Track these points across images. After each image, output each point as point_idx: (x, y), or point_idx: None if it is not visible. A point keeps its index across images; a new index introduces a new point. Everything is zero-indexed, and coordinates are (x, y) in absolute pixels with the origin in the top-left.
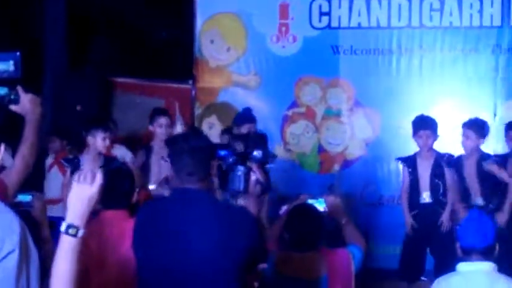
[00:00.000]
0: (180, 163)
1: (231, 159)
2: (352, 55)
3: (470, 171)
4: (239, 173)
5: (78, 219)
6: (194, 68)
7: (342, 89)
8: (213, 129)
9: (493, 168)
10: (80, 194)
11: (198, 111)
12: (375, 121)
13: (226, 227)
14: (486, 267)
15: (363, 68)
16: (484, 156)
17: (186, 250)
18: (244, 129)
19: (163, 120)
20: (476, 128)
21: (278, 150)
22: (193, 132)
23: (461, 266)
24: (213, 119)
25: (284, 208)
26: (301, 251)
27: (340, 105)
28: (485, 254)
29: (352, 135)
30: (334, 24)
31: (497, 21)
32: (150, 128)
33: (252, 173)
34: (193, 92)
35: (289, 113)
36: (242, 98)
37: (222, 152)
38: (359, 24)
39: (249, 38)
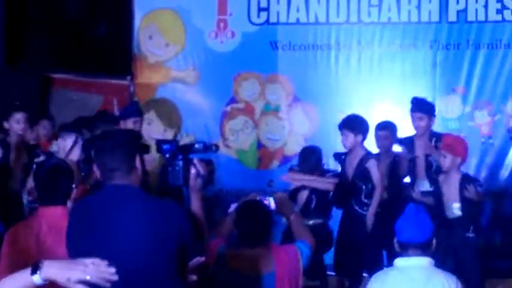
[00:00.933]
0: (102, 161)
1: (167, 155)
2: (291, 51)
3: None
4: (177, 167)
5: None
6: (132, 64)
7: (281, 84)
8: (151, 125)
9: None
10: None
11: None
12: (313, 117)
13: (156, 222)
14: (423, 262)
15: (301, 64)
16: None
17: (117, 248)
18: (129, 123)
19: (19, 116)
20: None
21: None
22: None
23: (399, 261)
24: (151, 114)
25: (233, 206)
26: (250, 247)
27: (278, 100)
28: (423, 249)
29: (291, 131)
30: (273, 19)
31: (435, 17)
32: (5, 124)
33: (192, 167)
34: (131, 88)
35: (228, 108)
36: (181, 94)
37: (165, 146)
38: (297, 19)
39: (188, 33)
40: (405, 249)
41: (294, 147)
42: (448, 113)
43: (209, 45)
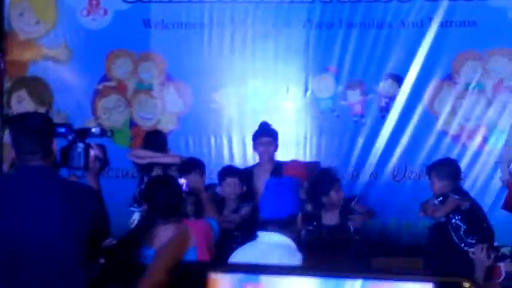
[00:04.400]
0: (21, 143)
1: (70, 137)
2: (164, 29)
3: None
4: (79, 149)
5: None
6: (3, 41)
7: (154, 63)
8: (22, 103)
9: None
10: None
11: (7, 85)
12: (186, 95)
13: (69, 204)
14: (281, 239)
15: (174, 42)
16: None
17: (29, 229)
18: None
19: None
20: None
21: (89, 124)
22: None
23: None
24: (22, 93)
25: None
26: (164, 221)
27: (151, 79)
28: (281, 226)
29: (164, 109)
30: None
31: None
32: None
33: (91, 149)
34: (2, 65)
35: (100, 86)
36: (53, 72)
37: (61, 129)
38: None
39: (59, 11)
40: (264, 226)
41: (167, 126)
42: (321, 93)
43: (81, 22)
